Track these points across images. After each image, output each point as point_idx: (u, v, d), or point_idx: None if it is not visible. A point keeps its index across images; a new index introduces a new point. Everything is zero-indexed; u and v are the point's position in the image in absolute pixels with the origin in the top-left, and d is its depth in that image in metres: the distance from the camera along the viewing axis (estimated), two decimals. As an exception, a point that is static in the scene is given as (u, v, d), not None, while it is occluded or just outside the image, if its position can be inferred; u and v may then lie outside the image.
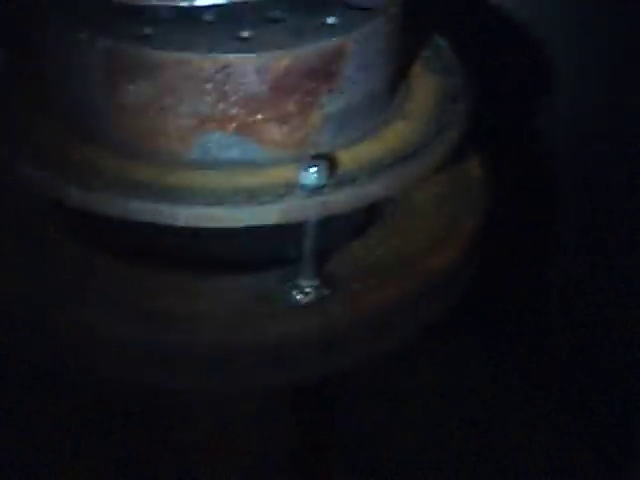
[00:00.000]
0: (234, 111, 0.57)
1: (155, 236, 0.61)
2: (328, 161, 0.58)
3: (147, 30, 0.57)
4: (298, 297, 0.61)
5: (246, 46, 0.57)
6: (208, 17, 0.58)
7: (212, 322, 0.60)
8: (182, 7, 0.56)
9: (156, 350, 0.59)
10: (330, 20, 0.59)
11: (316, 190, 0.57)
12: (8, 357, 0.72)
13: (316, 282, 0.61)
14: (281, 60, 0.57)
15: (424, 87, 0.68)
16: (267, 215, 0.56)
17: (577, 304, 1.00)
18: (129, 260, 0.64)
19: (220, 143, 0.58)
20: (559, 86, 0.93)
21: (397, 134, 0.64)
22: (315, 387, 0.74)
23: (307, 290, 0.61)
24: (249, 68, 0.56)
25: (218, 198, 0.56)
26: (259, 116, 0.58)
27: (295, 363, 0.61)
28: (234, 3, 0.56)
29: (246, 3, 0.54)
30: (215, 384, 0.62)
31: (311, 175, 0.56)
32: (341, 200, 0.58)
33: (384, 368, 0.71)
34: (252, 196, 0.56)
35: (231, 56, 0.56)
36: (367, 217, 0.69)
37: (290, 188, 0.57)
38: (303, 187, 0.57)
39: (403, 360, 0.72)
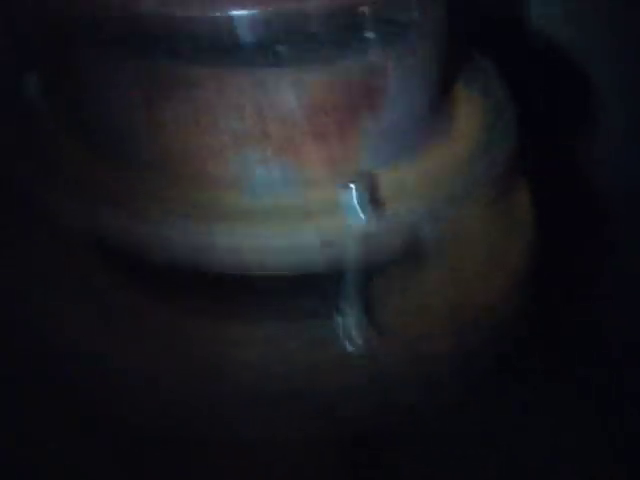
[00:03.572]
0: (271, 129, 0.55)
1: (202, 279, 0.58)
2: (368, 181, 0.55)
3: (181, 47, 0.55)
4: (348, 347, 0.58)
5: (282, 61, 0.55)
6: (244, 33, 0.57)
7: (261, 370, 0.58)
8: (217, 23, 0.54)
9: (203, 398, 0.58)
10: (370, 35, 0.57)
11: (356, 211, 0.54)
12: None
13: (366, 331, 0.58)
14: (318, 76, 0.54)
15: (467, 108, 0.66)
16: (306, 236, 0.54)
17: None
18: (174, 303, 0.61)
19: (257, 162, 0.56)
20: (602, 109, 0.91)
21: (440, 156, 0.61)
22: (365, 436, 0.71)
23: (357, 339, 0.58)
24: (285, 83, 0.54)
25: (255, 220, 0.54)
26: (297, 134, 0.55)
27: (344, 412, 0.58)
28: (271, 18, 0.53)
29: (284, 17, 0.52)
30: (261, 432, 0.60)
31: (350, 195, 0.54)
32: (382, 223, 0.55)
33: (435, 416, 0.68)
34: (290, 217, 0.54)
35: (266, 71, 0.54)
36: (413, 261, 0.66)
37: (329, 208, 0.54)
38: (342, 207, 0.54)
39: (456, 407, 0.69)
